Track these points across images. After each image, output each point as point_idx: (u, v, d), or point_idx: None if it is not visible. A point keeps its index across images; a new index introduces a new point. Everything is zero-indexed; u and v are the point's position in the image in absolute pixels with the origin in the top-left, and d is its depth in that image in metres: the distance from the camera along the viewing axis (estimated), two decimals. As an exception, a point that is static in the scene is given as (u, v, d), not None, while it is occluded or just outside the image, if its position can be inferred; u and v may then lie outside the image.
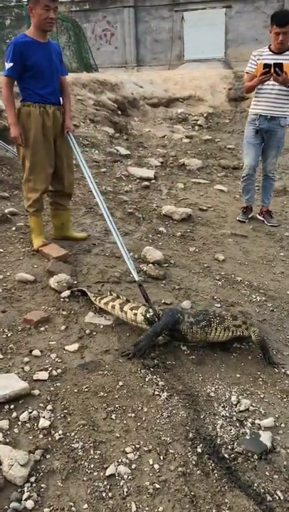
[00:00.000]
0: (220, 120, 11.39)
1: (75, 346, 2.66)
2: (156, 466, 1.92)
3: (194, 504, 1.76)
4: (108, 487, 1.82)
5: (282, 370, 2.60)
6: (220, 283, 3.62)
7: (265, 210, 5.23)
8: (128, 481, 1.84)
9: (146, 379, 2.43)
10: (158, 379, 2.44)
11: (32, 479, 1.82)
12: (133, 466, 1.92)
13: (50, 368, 2.46)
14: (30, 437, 2.01)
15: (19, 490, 1.77)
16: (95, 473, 1.87)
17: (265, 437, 2.06)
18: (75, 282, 3.34)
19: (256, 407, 2.28)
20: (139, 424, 2.14)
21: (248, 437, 2.08)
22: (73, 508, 1.72)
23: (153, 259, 3.76)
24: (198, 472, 1.91)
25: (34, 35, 3.46)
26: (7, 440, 1.97)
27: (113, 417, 2.17)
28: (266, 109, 4.71)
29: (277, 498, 1.81)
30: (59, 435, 2.03)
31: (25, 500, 1.73)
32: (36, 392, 2.27)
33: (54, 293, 3.20)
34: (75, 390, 2.32)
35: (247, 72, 4.75)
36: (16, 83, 3.57)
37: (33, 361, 2.52)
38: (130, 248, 3.94)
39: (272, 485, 1.86)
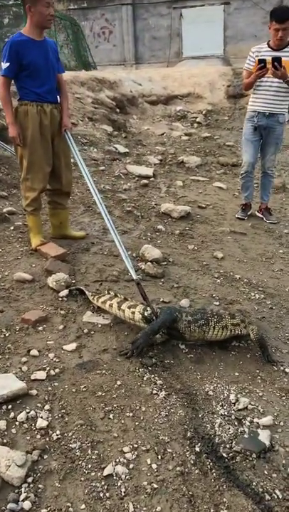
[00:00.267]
0: (219, 117, 11.35)
1: (73, 346, 2.65)
2: (154, 466, 1.91)
3: (192, 504, 1.76)
4: (106, 487, 1.81)
5: (281, 368, 2.59)
6: (219, 281, 3.61)
7: (264, 208, 5.22)
8: (126, 481, 1.84)
9: (145, 378, 2.43)
10: (156, 378, 2.43)
11: (29, 480, 1.81)
12: (131, 465, 1.91)
13: (48, 368, 2.45)
14: (28, 438, 2.00)
15: (16, 491, 1.76)
16: (93, 474, 1.86)
17: (264, 436, 2.05)
18: (73, 281, 3.33)
19: (255, 406, 2.27)
20: (137, 423, 2.13)
21: (246, 436, 2.07)
22: (71, 509, 1.71)
23: (151, 257, 3.75)
24: (197, 471, 1.90)
25: (30, 34, 3.44)
26: (4, 441, 1.97)
27: (111, 416, 2.16)
28: (264, 106, 4.68)
29: (275, 497, 1.80)
30: (57, 435, 2.03)
31: (23, 501, 1.73)
32: (34, 392, 2.26)
33: (52, 292, 3.19)
34: (73, 390, 2.31)
35: (246, 69, 4.73)
36: (13, 82, 3.55)
37: (30, 361, 2.51)
38: (129, 246, 3.93)
39: (271, 484, 1.86)
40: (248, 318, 2.72)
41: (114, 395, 2.29)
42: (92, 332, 2.81)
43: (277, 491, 1.82)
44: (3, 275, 3.36)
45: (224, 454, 1.98)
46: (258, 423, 2.15)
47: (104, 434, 2.06)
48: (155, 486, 1.82)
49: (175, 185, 6.25)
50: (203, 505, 1.76)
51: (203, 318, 2.63)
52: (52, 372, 2.41)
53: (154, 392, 2.33)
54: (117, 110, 9.89)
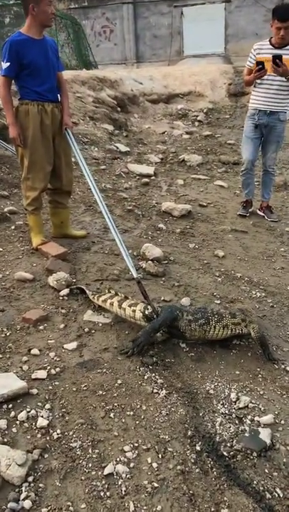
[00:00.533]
0: (220, 115, 11.33)
1: (73, 345, 2.65)
2: (154, 465, 1.91)
3: (193, 503, 1.75)
4: (106, 486, 1.81)
5: (282, 367, 2.58)
6: (220, 279, 3.60)
7: (266, 206, 5.20)
8: (126, 480, 1.84)
9: (145, 377, 2.42)
10: (157, 377, 2.43)
11: (30, 479, 1.81)
12: (131, 464, 1.91)
13: (48, 367, 2.45)
14: (29, 437, 2.00)
15: (17, 490, 1.77)
16: (93, 473, 1.86)
17: (265, 434, 2.05)
18: (74, 280, 3.34)
19: (256, 404, 2.26)
20: (137, 422, 2.13)
21: (247, 434, 2.06)
22: (71, 508, 1.71)
23: (152, 256, 3.74)
24: (197, 470, 1.90)
25: (30, 33, 3.43)
26: (5, 440, 1.97)
27: (112, 415, 2.16)
28: (265, 104, 4.67)
29: (276, 495, 1.80)
30: (57, 434, 2.03)
31: (23, 500, 1.73)
32: (35, 391, 2.26)
33: (53, 291, 3.19)
34: (74, 389, 2.31)
35: (247, 66, 4.73)
36: (13, 82, 3.55)
37: (31, 360, 2.51)
38: (129, 245, 3.93)
39: (272, 482, 1.85)
40: (249, 317, 2.71)
41: (115, 394, 2.29)
42: (93, 331, 2.81)
43: (278, 490, 1.82)
44: (4, 274, 3.37)
45: (225, 453, 1.98)
46: (258, 421, 2.15)
47: (105, 433, 2.05)
48: (156, 484, 1.82)
49: (176, 183, 6.24)
50: (204, 504, 1.75)
51: (203, 318, 2.63)
52: (52, 372, 2.41)
53: (155, 391, 2.33)
54: (118, 109, 9.87)
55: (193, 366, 2.54)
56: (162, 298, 3.21)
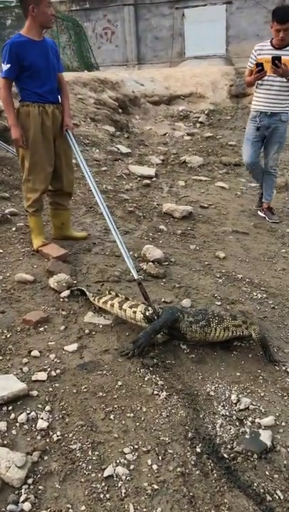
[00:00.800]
0: (221, 117, 11.33)
1: (74, 346, 2.65)
2: (154, 467, 1.90)
3: (193, 505, 1.75)
4: (106, 488, 1.80)
5: (283, 368, 2.57)
6: (220, 281, 3.59)
7: (267, 207, 5.20)
8: (126, 482, 1.83)
9: (146, 378, 2.42)
10: (157, 378, 2.42)
11: (29, 481, 1.81)
12: (131, 466, 1.90)
13: (49, 369, 2.44)
14: (28, 439, 2.00)
15: (16, 492, 1.76)
16: (93, 475, 1.86)
17: (265, 436, 2.04)
18: (75, 282, 3.33)
19: (256, 406, 2.26)
20: (137, 424, 2.12)
21: (247, 436, 2.06)
22: (71, 510, 1.71)
23: (153, 257, 3.74)
24: (197, 472, 1.89)
25: (30, 35, 3.43)
26: (5, 442, 1.96)
27: (112, 417, 2.15)
28: (266, 106, 4.68)
29: (277, 497, 1.79)
30: (57, 436, 2.02)
31: (23, 502, 1.72)
32: (35, 393, 2.26)
33: (54, 293, 3.19)
34: (74, 391, 2.30)
35: (248, 67, 4.75)
36: (14, 84, 3.55)
37: (32, 362, 2.51)
38: (130, 247, 3.93)
39: (272, 484, 1.84)
40: (250, 318, 2.71)
41: (115, 396, 2.28)
42: (94, 332, 2.80)
43: (278, 492, 1.81)
44: (4, 276, 3.36)
45: (225, 455, 1.97)
46: (259, 423, 2.14)
47: (105, 435, 2.05)
48: (156, 487, 1.82)
49: (177, 185, 6.24)
50: (204, 506, 1.75)
51: (204, 319, 2.62)
52: (53, 373, 2.41)
53: (155, 392, 2.32)
54: (120, 111, 9.88)
55: (194, 368, 2.54)
56: (163, 299, 3.21)
